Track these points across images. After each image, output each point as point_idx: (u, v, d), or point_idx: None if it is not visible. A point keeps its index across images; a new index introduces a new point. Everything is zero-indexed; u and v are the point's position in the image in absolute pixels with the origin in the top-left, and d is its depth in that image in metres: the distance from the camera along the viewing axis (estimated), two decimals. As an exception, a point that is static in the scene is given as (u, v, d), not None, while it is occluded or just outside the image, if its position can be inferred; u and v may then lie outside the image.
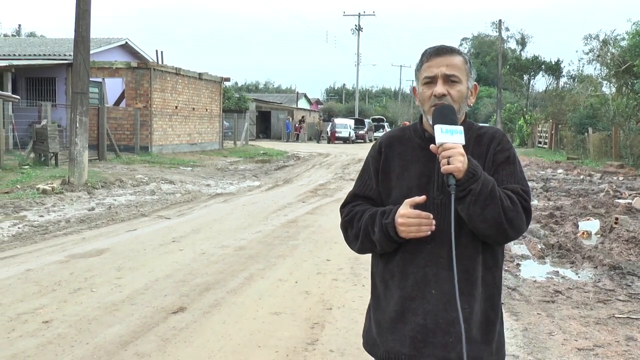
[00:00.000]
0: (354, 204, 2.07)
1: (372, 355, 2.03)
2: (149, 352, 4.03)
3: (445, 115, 1.85)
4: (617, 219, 8.44)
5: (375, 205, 2.02)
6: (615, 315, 4.96)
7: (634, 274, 6.24)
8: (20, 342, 4.18)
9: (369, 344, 2.04)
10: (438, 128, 1.81)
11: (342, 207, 2.11)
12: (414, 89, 2.05)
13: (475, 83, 2.02)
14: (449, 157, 1.76)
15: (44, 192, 11.32)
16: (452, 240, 1.77)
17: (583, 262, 6.82)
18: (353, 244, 2.05)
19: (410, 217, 1.84)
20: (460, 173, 1.76)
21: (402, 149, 2.01)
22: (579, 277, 6.29)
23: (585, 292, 5.66)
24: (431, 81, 1.93)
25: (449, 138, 1.79)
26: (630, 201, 10.58)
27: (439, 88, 1.91)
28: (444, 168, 1.77)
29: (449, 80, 1.91)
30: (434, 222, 1.84)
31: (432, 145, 1.83)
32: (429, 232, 1.84)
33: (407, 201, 1.86)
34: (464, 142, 1.81)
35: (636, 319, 4.89)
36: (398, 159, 1.99)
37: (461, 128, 1.83)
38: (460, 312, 1.75)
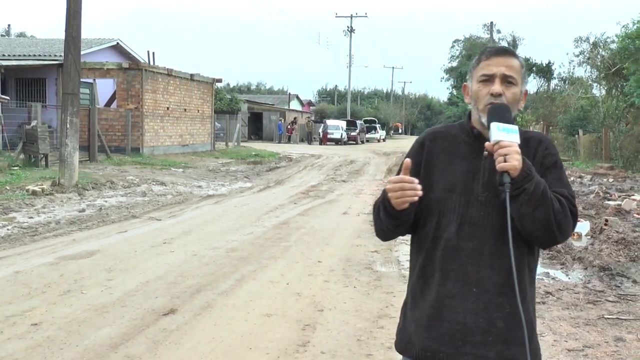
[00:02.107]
0: None
1: (404, 354, 1.97)
2: (140, 355, 4.02)
3: (501, 113, 1.83)
4: (606, 220, 8.49)
5: None
6: (605, 316, 4.99)
7: (623, 275, 6.28)
8: (8, 344, 4.15)
9: (404, 342, 1.98)
10: (494, 126, 1.78)
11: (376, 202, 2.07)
12: (464, 86, 2.03)
13: (527, 89, 2.01)
14: (506, 154, 1.74)
15: (34, 193, 11.25)
16: (509, 236, 1.74)
17: (573, 263, 6.85)
18: (376, 232, 2.05)
19: (394, 183, 1.81)
20: (516, 171, 1.74)
21: (447, 144, 1.98)
22: (569, 278, 6.33)
23: (576, 293, 5.70)
24: (488, 79, 1.91)
25: (505, 136, 1.77)
26: (619, 203, 10.65)
27: (497, 87, 1.89)
28: (500, 165, 1.74)
29: (507, 80, 1.90)
30: (419, 186, 1.80)
31: (487, 143, 1.80)
32: (416, 198, 1.80)
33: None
34: (519, 142, 1.78)
35: (625, 319, 4.92)
36: (442, 154, 1.96)
37: (517, 127, 1.81)
38: (519, 301, 1.71)
